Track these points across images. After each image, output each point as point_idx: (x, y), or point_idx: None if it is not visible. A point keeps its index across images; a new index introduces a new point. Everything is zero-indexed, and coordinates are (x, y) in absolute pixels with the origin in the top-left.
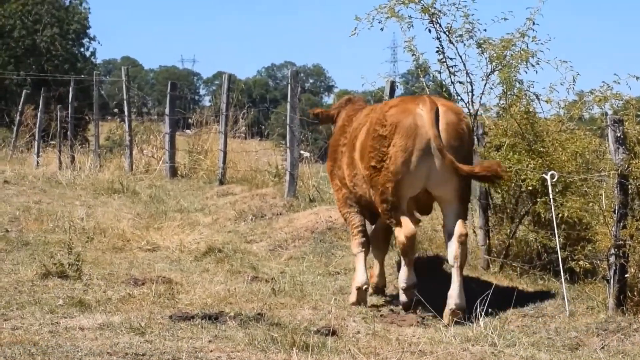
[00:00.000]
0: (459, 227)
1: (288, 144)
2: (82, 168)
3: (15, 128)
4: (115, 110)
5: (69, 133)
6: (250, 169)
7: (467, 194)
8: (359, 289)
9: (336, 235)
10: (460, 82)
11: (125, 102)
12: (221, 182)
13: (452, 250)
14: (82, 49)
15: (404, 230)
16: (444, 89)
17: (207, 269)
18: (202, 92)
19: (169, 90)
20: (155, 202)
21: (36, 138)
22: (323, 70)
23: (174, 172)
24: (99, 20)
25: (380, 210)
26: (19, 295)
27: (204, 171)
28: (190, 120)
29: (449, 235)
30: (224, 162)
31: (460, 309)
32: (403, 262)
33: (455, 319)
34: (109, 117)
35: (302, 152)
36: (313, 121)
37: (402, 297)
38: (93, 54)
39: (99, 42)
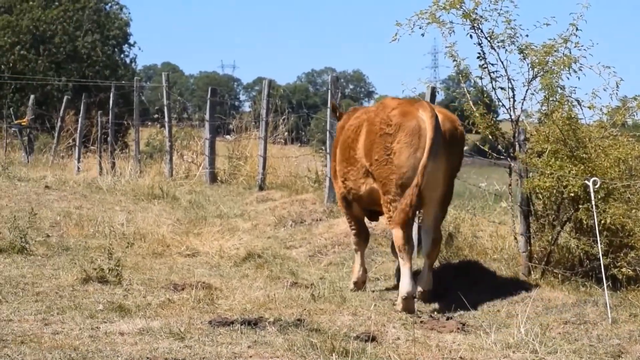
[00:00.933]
0: (435, 232)
1: (328, 150)
2: (123, 174)
3: (56, 134)
4: (156, 115)
5: (109, 138)
6: (289, 174)
7: (449, 199)
8: (356, 283)
9: (376, 241)
10: (502, 88)
11: (165, 107)
12: (261, 188)
13: (427, 249)
14: (122, 55)
15: (401, 228)
16: (485, 95)
17: (247, 274)
18: (242, 97)
19: (209, 95)
20: (195, 208)
21: (77, 144)
22: (363, 76)
23: (213, 177)
24: (140, 26)
25: (382, 202)
26: (59, 300)
27: (244, 177)
28: (230, 126)
29: (426, 235)
30: (264, 167)
31: (428, 291)
32: (402, 265)
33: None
34: (149, 123)
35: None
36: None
37: (399, 307)
38: (134, 60)
39: (139, 48)
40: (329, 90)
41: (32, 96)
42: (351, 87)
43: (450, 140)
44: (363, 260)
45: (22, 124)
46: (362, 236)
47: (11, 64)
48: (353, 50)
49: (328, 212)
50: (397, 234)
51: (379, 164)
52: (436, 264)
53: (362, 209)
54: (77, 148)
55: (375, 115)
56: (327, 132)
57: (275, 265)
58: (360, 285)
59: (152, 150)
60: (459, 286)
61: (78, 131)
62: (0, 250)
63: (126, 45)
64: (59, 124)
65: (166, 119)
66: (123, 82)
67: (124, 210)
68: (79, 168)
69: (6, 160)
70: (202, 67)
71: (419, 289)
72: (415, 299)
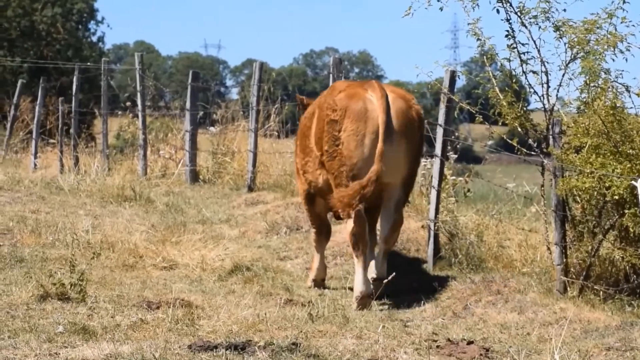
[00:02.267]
0: (396, 214)
1: None
2: (88, 171)
3: (8, 124)
4: (127, 103)
5: (72, 130)
6: (284, 173)
7: (412, 183)
8: (314, 281)
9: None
10: (534, 72)
11: (138, 94)
12: (250, 189)
13: (384, 232)
14: (88, 33)
15: (354, 221)
16: (514, 80)
17: (233, 290)
18: (228, 83)
19: (190, 80)
20: (173, 212)
21: (34, 136)
22: (371, 58)
23: (195, 176)
24: None
25: (335, 197)
26: (11, 321)
27: (230, 176)
28: (214, 116)
29: (385, 218)
30: (254, 165)
31: (382, 279)
32: (356, 263)
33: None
34: (119, 112)
35: None
36: None
37: (354, 306)
38: (101, 38)
39: (108, 25)
40: (331, 75)
41: None
42: (357, 70)
43: (405, 121)
44: (323, 258)
45: None
46: (324, 234)
47: None
48: (359, 28)
49: (330, 217)
50: (351, 228)
51: (328, 156)
52: (455, 279)
53: (326, 206)
54: (33, 141)
55: (325, 99)
56: None
57: (266, 279)
58: (319, 283)
59: (122, 144)
60: (482, 305)
61: (35, 121)
62: None
63: (92, 21)
64: (12, 112)
65: (139, 107)
66: (88, 63)
67: (89, 215)
68: (35, 165)
69: None
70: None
71: (372, 275)
72: (372, 298)
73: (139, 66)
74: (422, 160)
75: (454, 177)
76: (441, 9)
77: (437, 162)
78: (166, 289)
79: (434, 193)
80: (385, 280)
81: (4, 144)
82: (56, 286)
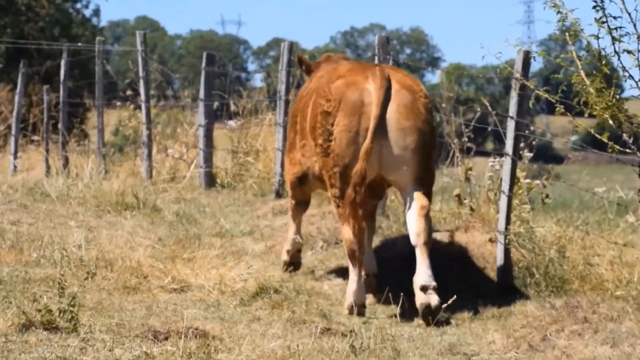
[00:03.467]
0: (419, 199)
1: None
2: (80, 174)
3: None
4: (127, 92)
5: (60, 125)
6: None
7: (428, 177)
8: (289, 251)
9: (444, 270)
10: (629, 52)
11: (141, 81)
12: (278, 195)
13: (414, 227)
14: (78, 6)
15: (351, 227)
16: (603, 62)
17: (258, 317)
18: (250, 67)
19: (204, 64)
20: (184, 223)
21: (13, 131)
22: (425, 37)
23: (211, 180)
24: None
25: (330, 196)
26: None
27: (254, 179)
28: (234, 107)
29: (410, 215)
30: (283, 166)
31: (428, 287)
32: (351, 271)
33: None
34: (118, 103)
35: None
36: None
37: (347, 312)
38: (95, 13)
39: None
40: (376, 57)
41: None
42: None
43: (410, 114)
44: (299, 229)
45: None
46: (302, 205)
47: None
48: (410, 1)
49: (376, 227)
50: (346, 233)
51: (322, 151)
52: (531, 303)
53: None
54: (13, 138)
55: (323, 84)
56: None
57: (298, 304)
58: (295, 255)
59: (122, 142)
60: (565, 335)
61: (14, 114)
62: None
63: None
64: None
65: (142, 97)
66: (79, 44)
67: (82, 227)
68: (15, 167)
69: None
70: (193, 24)
71: (423, 283)
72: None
73: (141, 47)
74: (490, 160)
75: (528, 181)
76: None
77: (507, 162)
78: (176, 315)
79: (504, 199)
80: (445, 305)
81: None
82: (42, 313)
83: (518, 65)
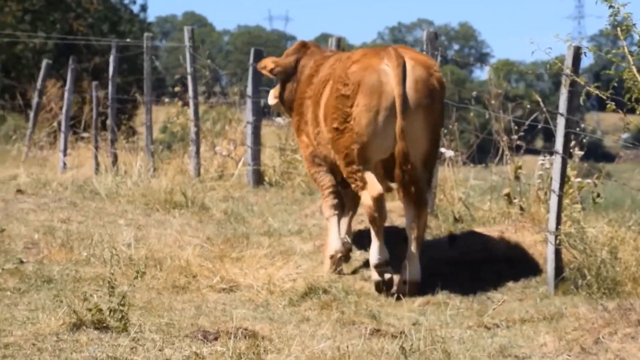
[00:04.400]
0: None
1: None
2: (129, 172)
3: (32, 114)
4: (176, 89)
5: (109, 121)
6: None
7: (434, 159)
8: (332, 257)
9: (493, 271)
10: None
11: (189, 77)
12: None
13: (409, 220)
14: (126, 1)
15: (370, 191)
16: None
17: (307, 317)
18: None
19: (251, 60)
20: (232, 222)
21: (62, 128)
22: (473, 32)
23: (259, 178)
24: None
25: (344, 175)
26: (38, 355)
27: (302, 177)
28: None
29: (407, 204)
30: None
31: (416, 283)
32: (373, 234)
33: (410, 292)
34: (166, 100)
35: (442, 150)
36: (458, 105)
37: (374, 276)
38: (143, 8)
39: None
40: (424, 53)
41: None
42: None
43: (425, 91)
44: (339, 229)
45: None
46: (339, 202)
47: None
48: None
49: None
50: (366, 200)
51: (338, 133)
52: (583, 305)
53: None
54: (62, 135)
55: (338, 70)
56: None
57: (347, 304)
58: (337, 261)
59: (170, 139)
60: (618, 338)
61: (64, 111)
62: None
63: None
64: (36, 100)
65: (190, 93)
66: (128, 40)
67: (131, 225)
68: (65, 164)
69: None
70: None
71: (406, 277)
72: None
73: (189, 43)
74: (540, 158)
75: (579, 179)
76: None
77: (558, 160)
78: (225, 315)
79: (554, 199)
80: (495, 307)
81: (27, 139)
82: (92, 312)
83: (568, 61)
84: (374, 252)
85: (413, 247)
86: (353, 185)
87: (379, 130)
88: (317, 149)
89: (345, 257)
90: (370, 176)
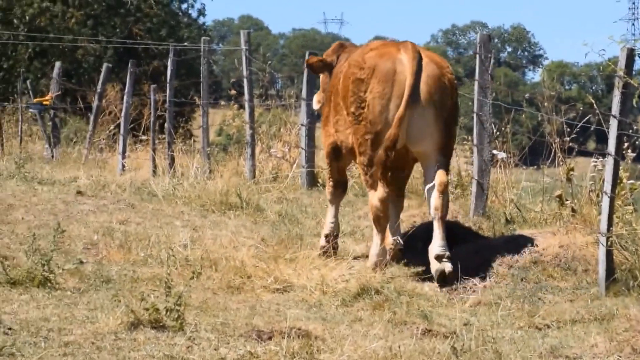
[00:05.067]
0: (439, 176)
1: (475, 141)
2: (185, 174)
3: (92, 117)
4: (232, 92)
5: (167, 124)
6: (421, 175)
7: (450, 149)
8: (327, 235)
9: (545, 272)
10: None
11: (245, 80)
12: None
13: (433, 201)
14: (184, 6)
15: (377, 193)
16: None
17: (360, 317)
18: None
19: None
20: (286, 223)
21: (121, 131)
22: (527, 34)
23: (312, 180)
24: None
25: (358, 163)
26: (97, 354)
27: (355, 179)
28: None
29: (429, 188)
30: None
31: (445, 256)
32: (374, 234)
33: (441, 267)
34: (222, 103)
35: (495, 152)
36: (510, 107)
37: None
38: (201, 12)
39: None
40: (477, 55)
41: (57, 63)
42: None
43: (436, 87)
44: (337, 213)
45: (44, 103)
46: (340, 188)
47: (28, 18)
48: None
49: (476, 228)
50: (372, 199)
51: (354, 118)
52: (634, 306)
53: (350, 163)
54: (121, 137)
55: (354, 57)
56: (475, 116)
57: (400, 304)
58: (333, 239)
59: (226, 141)
60: None
61: (123, 114)
62: (14, 282)
63: None
64: (96, 103)
65: (246, 96)
66: (186, 44)
67: (187, 227)
68: (123, 166)
69: (22, 155)
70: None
71: (434, 253)
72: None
73: (245, 46)
74: (592, 160)
75: (632, 181)
76: None
77: (610, 161)
78: (279, 315)
79: (606, 200)
80: (546, 308)
81: (87, 142)
82: (149, 312)
83: (622, 63)
84: (374, 253)
85: (438, 226)
86: (363, 179)
87: (390, 119)
88: (337, 137)
89: (397, 257)
90: (381, 178)
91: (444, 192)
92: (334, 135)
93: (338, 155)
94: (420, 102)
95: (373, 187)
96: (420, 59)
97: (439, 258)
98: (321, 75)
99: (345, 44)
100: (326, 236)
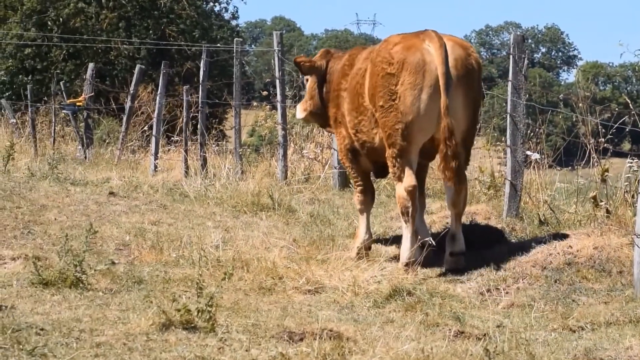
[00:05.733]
0: (460, 173)
1: (509, 142)
2: (217, 175)
3: (124, 118)
4: (264, 93)
5: (199, 125)
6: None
7: (472, 138)
8: (359, 247)
9: (579, 274)
10: None
11: (277, 81)
12: None
13: (450, 197)
14: (218, 7)
15: (404, 183)
16: None
17: (392, 319)
18: None
19: None
20: (318, 224)
21: (154, 132)
22: (561, 35)
23: (344, 181)
24: None
25: (387, 156)
26: (129, 354)
27: (388, 179)
28: None
29: (448, 185)
30: None
31: (460, 253)
32: (404, 228)
33: (455, 263)
34: (254, 104)
35: (529, 152)
36: (545, 107)
37: (402, 270)
38: (234, 15)
39: None
40: (511, 56)
41: (91, 65)
42: (543, 50)
43: (464, 70)
44: (369, 223)
45: (78, 104)
46: (369, 194)
47: (62, 20)
48: None
49: (509, 230)
50: (399, 191)
51: (383, 111)
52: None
53: (371, 163)
54: (154, 139)
55: (377, 54)
56: (508, 117)
57: (432, 306)
58: (364, 252)
59: (258, 142)
60: None
61: (155, 115)
62: (46, 283)
63: None
64: (128, 104)
65: (278, 97)
66: (218, 45)
67: (219, 227)
68: (156, 167)
69: (55, 156)
70: (328, 24)
71: (449, 249)
72: (419, 264)
73: (277, 47)
74: (628, 160)
75: None
76: None
77: None
78: (311, 317)
79: None
80: (580, 310)
81: (120, 143)
82: (181, 313)
83: None
84: (405, 249)
85: (455, 222)
86: (391, 170)
87: (422, 109)
88: (356, 137)
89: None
90: (408, 169)
91: (462, 191)
92: (349, 137)
93: (356, 157)
94: (451, 88)
95: (400, 178)
96: (445, 45)
97: (453, 255)
98: (308, 83)
99: (331, 51)
100: (359, 249)
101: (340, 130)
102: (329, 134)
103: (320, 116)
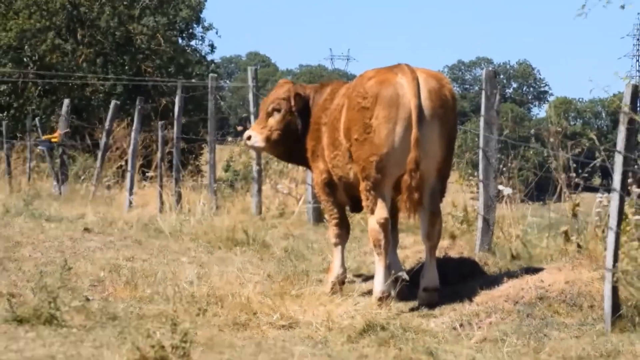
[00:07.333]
0: (433, 206)
1: (481, 176)
2: (192, 210)
3: (99, 154)
4: (239, 128)
5: (175, 160)
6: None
7: (448, 170)
8: (333, 282)
9: (551, 308)
10: None
11: (252, 116)
12: None
13: (425, 229)
14: (193, 43)
15: (376, 216)
16: None
17: (366, 354)
18: None
19: None
20: (292, 259)
21: (129, 168)
22: (532, 71)
23: (319, 215)
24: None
25: (361, 189)
26: None
27: (362, 215)
28: None
29: (423, 213)
30: None
31: (434, 289)
32: (377, 261)
33: (429, 299)
34: (229, 139)
35: (501, 187)
36: (519, 142)
37: (375, 307)
38: (211, 48)
39: (217, 33)
40: (483, 91)
41: (66, 101)
42: (515, 85)
43: (438, 102)
44: (343, 257)
45: (53, 140)
46: (344, 228)
47: (38, 56)
48: (517, 34)
49: (482, 264)
50: (372, 223)
51: (358, 144)
52: (639, 341)
53: (347, 197)
54: (129, 174)
55: (353, 89)
56: (480, 152)
57: (405, 341)
58: (339, 286)
59: (233, 178)
60: None
61: (130, 150)
62: (20, 320)
63: (199, 27)
64: (103, 140)
65: None
66: (193, 80)
67: (194, 263)
68: (131, 202)
69: (30, 192)
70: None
71: (423, 285)
72: (392, 297)
73: (252, 83)
74: (598, 195)
75: (637, 217)
76: (623, 6)
77: (615, 197)
78: (285, 352)
79: (611, 236)
80: (551, 345)
81: (95, 178)
82: (155, 349)
83: (626, 99)
84: (378, 281)
85: (429, 256)
86: (364, 203)
87: (397, 142)
88: (333, 172)
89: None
90: (381, 202)
91: (437, 224)
92: (326, 172)
93: (333, 191)
94: (425, 120)
95: (373, 211)
96: (417, 78)
97: (427, 290)
98: (279, 114)
99: (338, 85)
100: (333, 283)
101: (317, 165)
102: (303, 168)
103: (287, 148)
